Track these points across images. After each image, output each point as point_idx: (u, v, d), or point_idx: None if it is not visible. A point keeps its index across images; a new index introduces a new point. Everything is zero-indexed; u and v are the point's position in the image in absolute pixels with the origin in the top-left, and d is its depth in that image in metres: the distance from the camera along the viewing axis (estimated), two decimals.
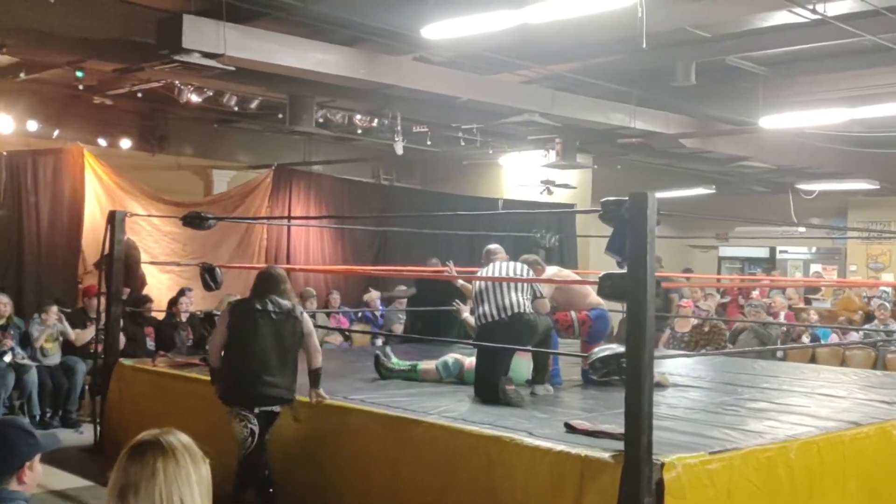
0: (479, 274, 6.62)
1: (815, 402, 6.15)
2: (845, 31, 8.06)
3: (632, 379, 4.16)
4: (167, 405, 6.58)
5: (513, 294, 6.21)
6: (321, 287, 12.35)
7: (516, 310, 6.14)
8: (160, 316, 9.41)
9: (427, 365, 6.79)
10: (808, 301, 16.56)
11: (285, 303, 5.62)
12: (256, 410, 5.41)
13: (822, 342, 11.29)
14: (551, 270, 7.36)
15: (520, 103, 10.36)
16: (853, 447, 4.99)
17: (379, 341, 10.62)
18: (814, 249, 19.68)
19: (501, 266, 6.54)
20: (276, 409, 5.52)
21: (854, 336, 11.09)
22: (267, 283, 5.69)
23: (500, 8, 6.96)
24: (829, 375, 7.76)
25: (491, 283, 6.26)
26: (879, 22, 7.94)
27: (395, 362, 6.85)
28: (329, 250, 13.29)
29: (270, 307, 5.54)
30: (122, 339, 8.25)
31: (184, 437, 2.26)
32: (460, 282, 7.57)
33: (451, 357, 6.79)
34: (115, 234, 7.46)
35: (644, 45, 6.56)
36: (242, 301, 5.89)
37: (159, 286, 10.97)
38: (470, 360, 6.67)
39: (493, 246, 7.11)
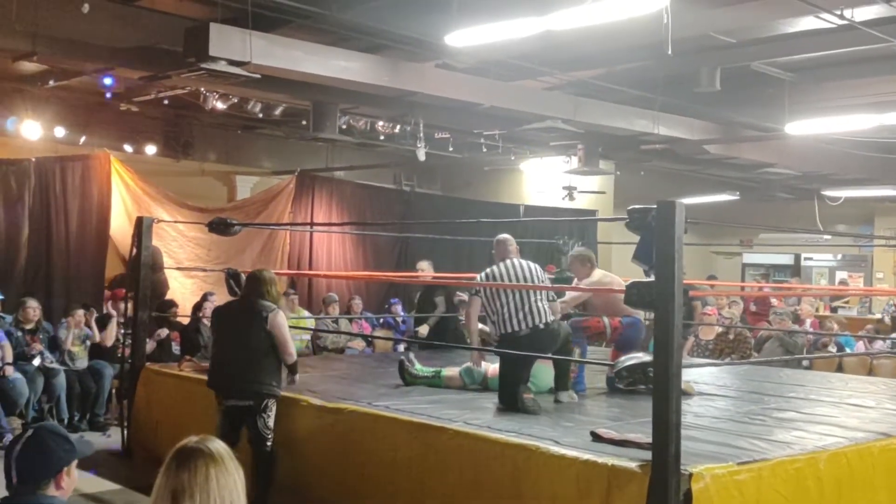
0: (492, 269, 6.43)
1: (843, 412, 6.09)
2: (873, 37, 7.99)
3: (659, 388, 4.14)
4: (193, 409, 6.60)
5: (533, 299, 6.12)
6: (343, 293, 12.38)
7: (539, 320, 6.09)
8: (185, 321, 9.46)
9: (451, 371, 6.78)
10: (833, 309, 16.43)
11: (263, 304, 5.86)
12: (226, 404, 5.75)
13: (848, 350, 11.18)
14: (597, 274, 7.30)
15: (542, 110, 10.34)
16: (883, 458, 4.94)
17: (401, 347, 10.62)
18: (839, 256, 19.52)
19: (516, 264, 6.38)
20: (246, 403, 5.72)
21: (880, 345, 10.97)
22: (250, 285, 6.06)
23: (523, 15, 6.95)
24: (856, 385, 7.69)
25: (516, 282, 6.13)
26: None
27: (419, 368, 6.84)
28: (351, 256, 13.33)
29: (247, 308, 5.88)
30: (150, 343, 8.33)
31: (223, 445, 2.37)
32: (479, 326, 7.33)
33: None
34: (143, 240, 7.51)
35: (669, 51, 6.54)
36: (227, 304, 6.40)
37: (184, 291, 11.04)
38: (494, 367, 6.66)
39: (504, 237, 6.86)
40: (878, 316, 14.98)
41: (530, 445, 4.68)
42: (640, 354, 4.74)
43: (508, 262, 6.43)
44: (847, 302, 16.44)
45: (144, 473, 6.76)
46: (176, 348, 9.27)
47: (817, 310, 14.09)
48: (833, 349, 11.19)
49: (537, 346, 6.06)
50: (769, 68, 10.26)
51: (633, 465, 4.23)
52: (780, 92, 10.90)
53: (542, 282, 6.44)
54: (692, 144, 12.32)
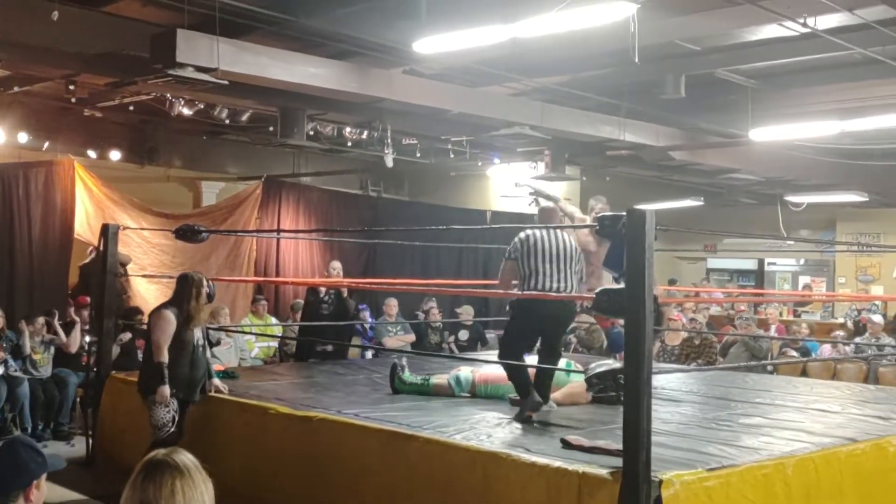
0: (532, 231, 6.18)
1: (809, 417, 6.16)
2: (835, 45, 8.11)
3: (630, 395, 4.16)
4: None
5: (567, 269, 6.01)
6: None
7: (568, 291, 6.00)
8: None
9: (439, 379, 6.77)
10: (796, 314, 16.63)
11: (162, 304, 6.39)
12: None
13: (813, 355, 11.32)
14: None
15: (509, 116, 10.38)
16: (849, 464, 4.99)
17: (369, 354, 10.58)
18: (802, 261, 19.75)
19: (557, 234, 6.17)
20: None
21: (845, 350, 11.11)
22: (176, 286, 6.42)
23: (491, 22, 6.97)
24: (821, 390, 7.77)
25: (552, 252, 6.02)
26: (869, 35, 7.98)
27: (409, 376, 6.80)
28: (318, 262, 13.27)
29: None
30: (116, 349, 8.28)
31: (191, 457, 2.36)
32: None
33: (463, 371, 6.76)
34: (109, 247, 7.44)
35: (636, 59, 6.59)
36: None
37: (148, 297, 10.92)
38: (481, 374, 6.66)
39: (549, 205, 6.89)
40: (842, 320, 15.18)
41: (501, 453, 4.68)
42: (609, 361, 4.77)
43: (550, 231, 6.26)
44: (811, 307, 16.64)
45: (109, 483, 6.69)
46: (141, 355, 9.15)
47: (781, 314, 14.25)
48: (796, 354, 11.33)
49: (557, 315, 6.05)
50: (733, 75, 10.38)
51: (603, 472, 4.25)
52: (743, 99, 11.02)
53: (577, 260, 6.17)
54: (657, 150, 12.41)
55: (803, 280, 19.01)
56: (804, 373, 10.37)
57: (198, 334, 6.28)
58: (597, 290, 4.51)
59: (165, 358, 6.06)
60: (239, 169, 14.13)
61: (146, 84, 8.71)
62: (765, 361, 10.25)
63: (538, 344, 6.25)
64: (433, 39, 7.35)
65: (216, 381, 6.58)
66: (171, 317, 6.16)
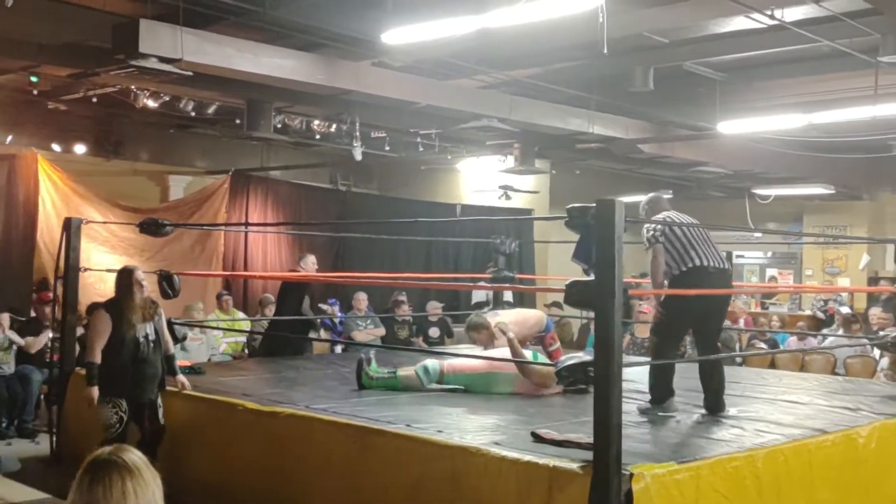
0: (665, 214, 6.04)
1: (778, 408, 6.17)
2: (802, 37, 8.14)
3: (600, 388, 4.13)
4: None
5: (718, 249, 5.90)
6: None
7: (724, 263, 5.86)
8: None
9: (406, 371, 6.70)
10: (764, 306, 16.76)
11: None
12: None
13: (781, 346, 11.39)
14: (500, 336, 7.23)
15: (479, 108, 10.33)
16: (819, 455, 5.00)
17: (338, 349, 10.51)
18: (769, 254, 19.90)
19: (682, 215, 6.05)
20: None
21: (812, 341, 11.18)
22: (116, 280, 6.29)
23: (460, 13, 6.92)
24: (790, 381, 7.81)
25: (698, 231, 5.83)
26: (836, 27, 8.02)
27: (375, 369, 6.70)
28: (287, 256, 13.18)
29: None
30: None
31: (139, 454, 2.25)
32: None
33: (430, 361, 6.70)
34: (72, 242, 7.31)
35: (605, 51, 6.56)
36: None
37: None
38: (449, 363, 6.62)
39: (655, 194, 6.56)
40: (809, 312, 15.32)
41: (471, 447, 4.64)
42: (580, 354, 4.74)
43: (673, 212, 6.14)
44: (778, 299, 16.76)
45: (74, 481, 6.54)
46: None
47: (749, 306, 14.34)
48: (764, 346, 11.39)
49: (722, 288, 5.88)
50: (701, 68, 10.41)
51: (574, 465, 4.21)
52: (711, 91, 11.05)
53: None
54: (626, 143, 12.43)
55: (771, 272, 19.15)
56: (772, 364, 10.41)
57: (146, 330, 6.03)
58: (567, 282, 4.45)
59: (97, 358, 5.91)
60: (206, 162, 13.98)
61: (109, 75, 8.57)
62: (741, 353, 10.29)
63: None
64: (402, 30, 7.29)
65: (181, 377, 6.41)
66: (103, 315, 5.99)
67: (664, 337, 5.93)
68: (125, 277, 6.09)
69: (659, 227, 5.83)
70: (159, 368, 6.12)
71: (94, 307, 6.27)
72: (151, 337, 6.05)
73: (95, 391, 5.88)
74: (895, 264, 17.04)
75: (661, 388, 5.85)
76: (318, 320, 10.33)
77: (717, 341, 6.14)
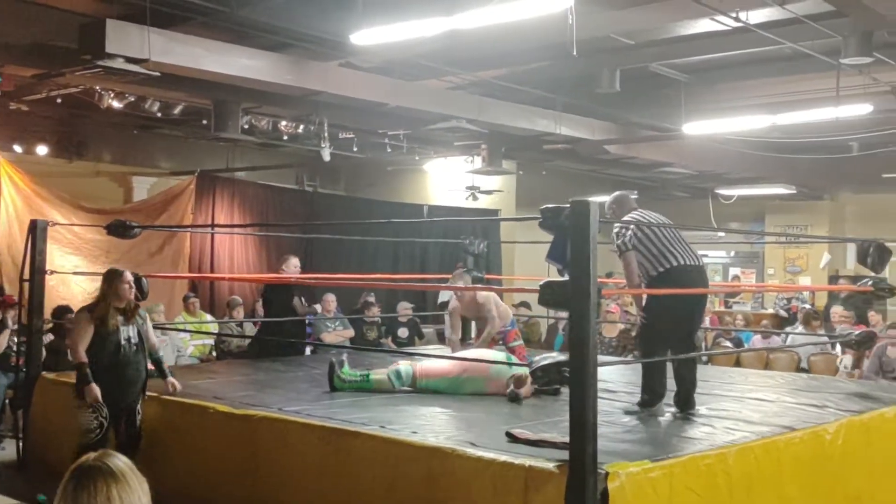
0: (632, 216, 6.00)
1: (746, 406, 6.25)
2: (766, 39, 8.25)
3: (576, 387, 4.16)
4: None
5: (686, 241, 5.90)
6: (247, 295, 12.17)
7: (698, 260, 5.86)
8: None
9: (379, 374, 6.67)
10: (727, 304, 16.94)
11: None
12: None
13: (746, 345, 11.53)
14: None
15: (447, 109, 10.35)
16: (788, 452, 5.07)
17: (307, 350, 10.46)
18: (732, 253, 20.12)
19: (651, 213, 6.07)
20: None
21: (776, 340, 11.33)
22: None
23: (429, 14, 6.93)
24: (756, 379, 7.91)
25: (670, 231, 5.86)
26: (799, 30, 8.14)
27: (347, 372, 6.67)
28: (254, 258, 13.11)
29: None
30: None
31: (125, 459, 2.23)
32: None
33: (402, 364, 6.69)
34: (38, 244, 7.21)
35: (574, 52, 6.60)
36: None
37: (85, 296, 10.64)
38: (421, 367, 6.61)
39: (621, 193, 6.49)
40: (772, 311, 15.52)
41: (446, 448, 4.64)
42: (554, 354, 4.76)
43: (645, 212, 6.14)
44: (741, 298, 16.96)
45: (42, 486, 6.47)
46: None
47: (714, 305, 14.50)
48: (730, 344, 11.53)
49: (700, 286, 5.90)
50: (666, 70, 10.51)
51: (550, 465, 4.24)
52: (676, 93, 11.17)
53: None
54: (593, 144, 12.51)
55: (733, 271, 19.36)
56: (738, 363, 10.54)
57: (128, 333, 5.96)
58: (541, 283, 4.47)
59: (83, 358, 5.83)
60: (171, 163, 13.85)
61: (74, 76, 8.46)
62: (709, 352, 10.40)
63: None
64: (371, 31, 7.27)
65: (171, 379, 6.29)
66: (84, 317, 5.94)
67: (652, 342, 5.94)
68: (113, 279, 6.02)
69: (630, 232, 5.81)
70: (141, 373, 6.04)
71: (79, 310, 6.19)
72: (134, 340, 5.98)
73: (95, 388, 5.77)
74: (857, 263, 17.30)
75: (652, 393, 5.88)
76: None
77: (694, 339, 6.20)
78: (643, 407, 5.87)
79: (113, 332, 5.90)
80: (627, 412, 5.84)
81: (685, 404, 5.86)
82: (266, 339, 9.37)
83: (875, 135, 11.70)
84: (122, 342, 5.92)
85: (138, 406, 6.04)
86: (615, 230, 5.91)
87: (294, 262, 9.66)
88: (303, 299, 9.72)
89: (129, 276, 6.08)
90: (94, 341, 5.87)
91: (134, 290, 6.13)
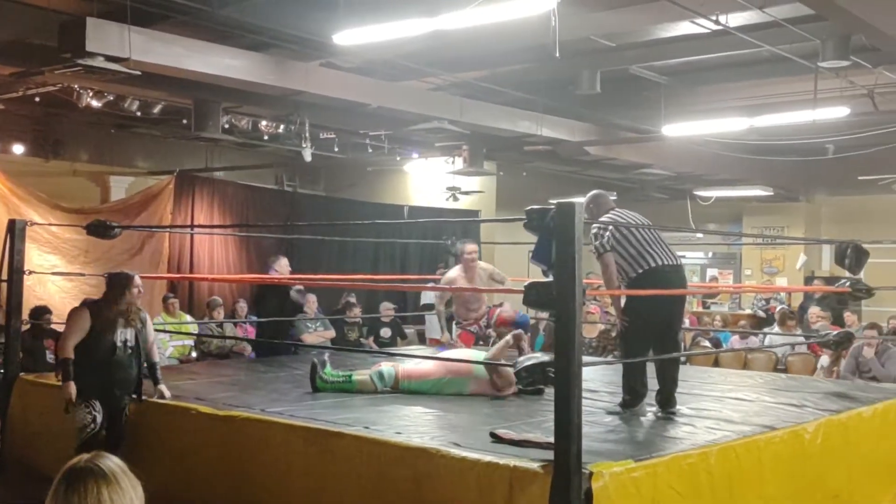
0: (609, 217, 5.97)
1: (727, 406, 6.29)
2: (745, 42, 8.33)
3: (561, 388, 4.17)
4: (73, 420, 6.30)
5: (663, 239, 5.92)
6: (227, 295, 12.12)
7: (676, 259, 5.87)
8: (61, 328, 9.04)
9: (361, 375, 6.66)
10: (705, 305, 17.06)
11: None
12: None
13: (724, 345, 11.62)
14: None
15: (429, 110, 10.37)
16: (769, 451, 5.11)
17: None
18: (710, 254, 20.25)
19: (629, 212, 6.07)
20: None
21: (754, 340, 11.43)
22: None
23: (411, 15, 6.94)
24: (735, 379, 7.96)
25: (648, 231, 5.83)
26: (777, 33, 8.23)
27: (329, 372, 6.65)
28: (234, 258, 13.06)
29: None
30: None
31: (117, 461, 2.21)
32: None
33: (385, 366, 6.68)
34: (16, 244, 7.15)
35: (557, 54, 6.63)
36: None
37: (63, 296, 10.58)
38: (404, 369, 6.60)
39: (599, 191, 6.41)
40: (749, 311, 15.64)
41: (431, 448, 4.65)
42: (538, 354, 4.77)
43: (622, 212, 6.11)
44: (719, 298, 17.08)
45: (21, 489, 6.43)
46: (50, 356, 8.84)
47: (692, 305, 14.60)
48: (708, 344, 11.61)
49: (679, 285, 5.94)
50: (646, 72, 10.58)
51: (534, 465, 4.25)
52: (656, 95, 11.25)
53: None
54: (573, 146, 12.57)
55: (711, 272, 19.49)
56: (716, 363, 10.61)
57: (125, 335, 5.92)
58: (525, 284, 4.49)
59: (69, 354, 5.79)
60: (149, 163, 13.78)
61: (53, 74, 8.40)
62: (688, 353, 10.45)
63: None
64: (353, 32, 7.28)
65: (161, 386, 6.13)
66: (84, 315, 5.89)
67: (632, 342, 5.97)
68: (123, 281, 5.96)
69: (608, 233, 5.82)
70: (133, 376, 5.96)
71: (79, 306, 6.13)
72: (130, 343, 5.92)
73: (72, 386, 5.74)
74: (833, 264, 17.46)
75: (633, 393, 5.91)
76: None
77: (678, 337, 6.23)
78: (625, 407, 5.89)
79: (110, 332, 5.85)
80: (610, 412, 5.86)
81: (666, 402, 5.89)
82: (249, 339, 9.32)
83: (851, 137, 11.83)
84: (118, 344, 5.87)
85: (125, 408, 5.99)
86: (593, 231, 5.90)
87: (285, 262, 9.65)
88: (302, 289, 9.71)
89: (138, 281, 6.03)
90: (89, 339, 5.83)
91: (142, 295, 6.10)
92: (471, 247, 8.59)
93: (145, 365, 6.14)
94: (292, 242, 13.00)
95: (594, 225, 5.86)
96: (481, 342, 8.68)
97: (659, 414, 5.86)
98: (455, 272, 8.57)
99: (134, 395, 6.04)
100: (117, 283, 5.96)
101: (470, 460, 4.45)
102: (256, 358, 9.27)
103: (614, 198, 6.73)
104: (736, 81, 10.96)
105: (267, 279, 9.23)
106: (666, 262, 5.80)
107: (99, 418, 5.79)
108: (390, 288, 12.85)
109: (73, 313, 6.02)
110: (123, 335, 5.90)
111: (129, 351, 5.93)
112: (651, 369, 6.02)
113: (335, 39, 7.45)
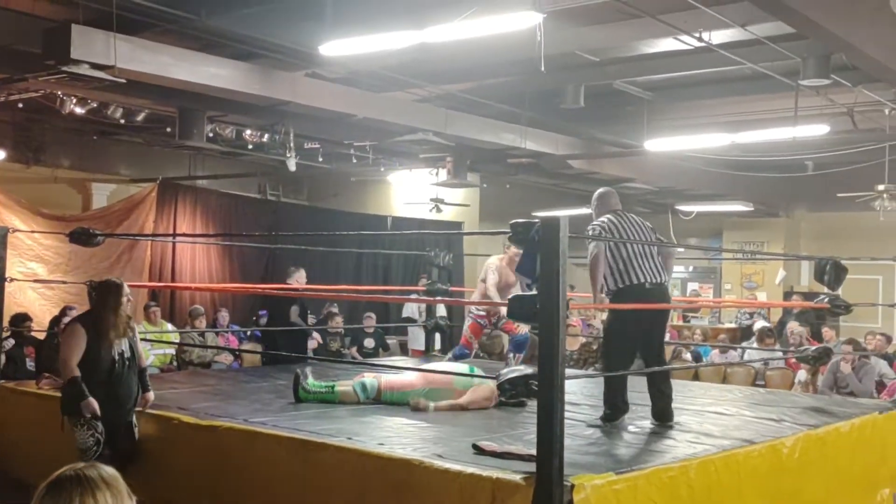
0: (608, 218, 5.96)
1: (707, 420, 6.33)
2: (727, 59, 8.44)
3: (544, 400, 4.20)
4: (56, 429, 6.25)
5: (656, 254, 5.89)
6: (209, 305, 12.08)
7: (663, 278, 5.85)
8: (42, 336, 9.01)
9: (344, 386, 6.66)
10: (685, 319, 17.15)
11: None
12: None
13: (704, 359, 11.69)
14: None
15: (414, 122, 10.41)
16: (748, 465, 5.15)
17: None
18: (691, 268, 20.37)
19: (634, 219, 6.04)
20: None
21: (734, 354, 11.51)
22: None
23: (397, 27, 6.98)
24: (715, 393, 8.01)
25: (640, 245, 5.82)
26: (759, 51, 8.34)
27: (312, 383, 6.63)
28: (217, 267, 13.03)
29: None
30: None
31: (109, 471, 2.14)
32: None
33: (367, 377, 6.69)
34: None
35: (542, 68, 6.68)
36: None
37: (43, 303, 10.52)
38: (387, 380, 6.60)
39: (606, 189, 6.40)
40: (729, 325, 15.73)
41: (414, 460, 4.66)
42: (521, 367, 4.80)
43: (622, 215, 6.08)
44: (700, 313, 17.18)
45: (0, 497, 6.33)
46: (31, 364, 8.80)
47: (672, 319, 14.68)
48: (689, 357, 11.68)
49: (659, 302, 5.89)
50: (630, 87, 10.67)
51: (517, 477, 4.27)
52: (639, 110, 11.35)
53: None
54: (557, 159, 12.64)
55: (692, 286, 19.60)
56: (696, 377, 10.67)
57: (121, 347, 5.69)
58: (509, 297, 4.53)
59: (76, 373, 5.53)
60: (131, 170, 13.72)
61: (37, 81, 8.37)
62: (666, 367, 10.46)
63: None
64: (340, 43, 7.31)
65: (150, 394, 5.90)
66: (79, 331, 5.64)
67: (612, 357, 6.04)
68: (111, 291, 5.71)
69: (604, 229, 5.85)
70: (134, 388, 5.76)
71: (71, 322, 5.88)
72: (126, 355, 5.71)
73: (93, 402, 5.48)
74: (814, 280, 17.61)
75: (613, 407, 5.95)
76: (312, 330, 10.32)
77: (662, 353, 6.27)
78: (606, 421, 5.93)
79: (108, 347, 5.63)
80: (591, 425, 5.90)
81: (661, 416, 5.93)
82: (219, 347, 9.29)
83: (830, 155, 11.96)
84: (116, 357, 5.66)
85: (133, 419, 5.80)
86: (589, 230, 5.96)
87: (302, 274, 9.64)
88: (306, 309, 9.75)
89: (127, 289, 5.80)
90: (88, 356, 5.57)
91: (132, 304, 5.91)
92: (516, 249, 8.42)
93: None
94: (274, 252, 12.99)
95: (593, 225, 5.95)
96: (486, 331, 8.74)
97: (642, 428, 5.90)
98: (496, 260, 8.29)
99: (138, 409, 5.85)
100: (106, 293, 5.72)
101: (452, 472, 4.47)
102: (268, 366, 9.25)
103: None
104: (718, 98, 11.07)
105: (244, 288, 9.20)
106: (649, 280, 5.84)
107: (102, 440, 5.55)
108: (374, 299, 12.86)
109: (69, 331, 5.77)
110: (120, 347, 5.70)
111: (127, 363, 5.72)
112: (643, 384, 6.08)
113: (321, 50, 7.48)
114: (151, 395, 5.93)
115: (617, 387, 5.96)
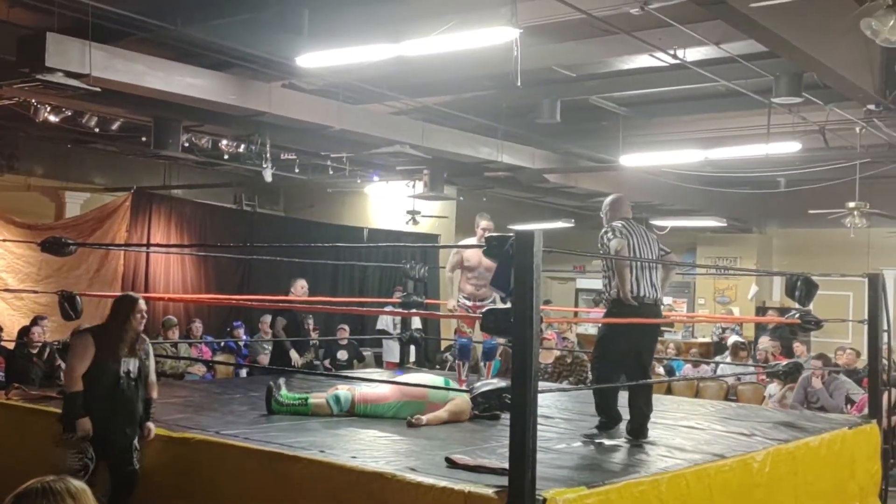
0: (622, 226, 6.01)
1: (678, 434, 6.36)
2: (701, 76, 8.52)
3: (516, 414, 4.21)
4: (25, 441, 6.20)
5: (655, 270, 5.92)
6: (182, 315, 12.01)
7: (658, 295, 5.88)
8: (11, 345, 8.92)
9: (317, 399, 6.62)
10: (660, 333, 17.22)
11: None
12: None
13: (677, 373, 11.76)
14: None
15: (391, 134, 10.43)
16: (718, 479, 5.18)
17: (243, 372, 10.37)
18: None
19: (643, 231, 6.07)
20: None
21: (706, 368, 11.59)
22: None
23: (377, 41, 7.00)
24: (688, 407, 8.05)
25: (640, 253, 5.83)
26: (732, 69, 8.43)
27: (285, 395, 6.58)
28: (191, 277, 12.97)
29: None
30: None
31: (77, 484, 2.14)
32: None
33: (341, 390, 6.66)
34: None
35: (519, 83, 6.72)
36: None
37: (11, 313, 10.41)
38: (361, 393, 6.58)
39: (618, 195, 6.44)
40: (701, 339, 15.82)
41: (386, 473, 4.65)
42: (494, 381, 4.81)
43: (633, 225, 6.11)
44: (674, 327, 17.27)
45: None
46: (0, 375, 8.71)
47: None
48: (662, 371, 11.73)
49: (651, 324, 5.91)
50: (605, 102, 10.75)
51: (489, 491, 4.27)
52: (615, 125, 11.43)
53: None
54: (533, 173, 12.70)
55: (666, 300, 19.67)
56: (669, 391, 10.72)
57: (128, 366, 5.49)
58: (483, 311, 4.54)
59: (77, 387, 5.35)
60: (105, 179, 13.65)
61: (11, 88, 8.31)
62: (647, 381, 10.51)
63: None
64: (317, 54, 7.32)
65: (150, 424, 5.62)
66: (88, 341, 5.45)
67: (602, 369, 6.08)
68: (127, 305, 5.53)
69: (613, 242, 5.90)
70: (136, 411, 5.52)
71: (80, 332, 5.66)
72: (133, 374, 5.51)
73: (87, 422, 5.31)
74: (786, 295, 17.76)
75: (608, 416, 6.00)
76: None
77: (649, 371, 6.34)
78: (601, 430, 5.99)
79: (115, 362, 5.45)
80: (586, 436, 5.95)
81: (636, 433, 5.96)
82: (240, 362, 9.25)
83: (802, 172, 12.10)
84: (121, 375, 5.46)
85: (135, 443, 5.52)
86: (608, 232, 6.01)
87: (301, 284, 9.61)
88: (297, 321, 9.78)
89: (143, 305, 5.61)
90: (91, 370, 5.40)
91: (146, 320, 5.75)
92: (485, 223, 8.23)
93: None
94: (250, 263, 12.94)
95: (610, 225, 6.04)
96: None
97: (617, 442, 5.93)
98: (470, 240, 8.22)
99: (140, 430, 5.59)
100: (121, 308, 5.54)
101: (425, 485, 4.46)
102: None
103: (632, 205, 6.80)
104: (692, 114, 11.18)
105: (221, 299, 9.17)
106: (649, 295, 5.90)
107: (91, 465, 5.32)
108: (349, 311, 12.83)
109: (77, 339, 5.57)
110: (127, 366, 5.49)
111: (133, 383, 5.50)
112: (623, 399, 6.14)
113: (298, 62, 7.48)
114: (152, 426, 5.64)
115: (608, 397, 6.02)
